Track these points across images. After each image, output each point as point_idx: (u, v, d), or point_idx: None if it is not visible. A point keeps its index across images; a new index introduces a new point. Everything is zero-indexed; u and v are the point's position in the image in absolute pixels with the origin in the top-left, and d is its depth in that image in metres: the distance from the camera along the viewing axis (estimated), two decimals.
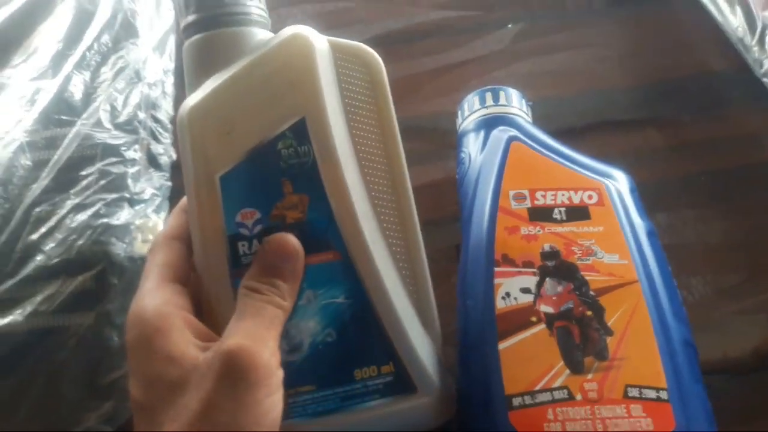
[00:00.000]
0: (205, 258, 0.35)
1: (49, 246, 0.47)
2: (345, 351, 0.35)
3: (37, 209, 0.49)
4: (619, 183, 0.43)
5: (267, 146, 0.35)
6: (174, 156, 0.58)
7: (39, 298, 0.45)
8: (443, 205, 0.51)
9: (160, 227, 0.51)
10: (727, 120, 0.57)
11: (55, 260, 0.46)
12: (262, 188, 0.35)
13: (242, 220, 0.35)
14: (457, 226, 0.46)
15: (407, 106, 0.61)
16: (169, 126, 0.59)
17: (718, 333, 0.46)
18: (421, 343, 0.36)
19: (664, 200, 0.50)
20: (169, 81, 0.62)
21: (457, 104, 0.53)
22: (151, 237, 0.50)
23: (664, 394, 0.34)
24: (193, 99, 0.36)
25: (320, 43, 0.36)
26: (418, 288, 0.37)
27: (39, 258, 0.46)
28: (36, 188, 0.50)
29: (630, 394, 0.34)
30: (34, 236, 0.47)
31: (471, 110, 0.50)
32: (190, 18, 0.37)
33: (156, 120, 0.58)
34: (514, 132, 0.46)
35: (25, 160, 0.51)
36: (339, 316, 0.35)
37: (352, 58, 0.38)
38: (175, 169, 0.57)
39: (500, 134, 0.46)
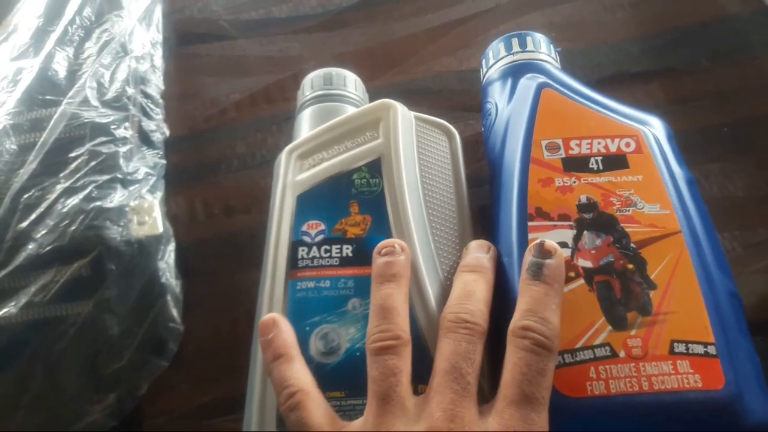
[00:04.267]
0: (272, 258, 0.41)
1: (41, 233, 0.46)
2: None
3: (26, 195, 0.48)
4: (655, 130, 0.42)
5: (344, 175, 0.43)
6: (167, 132, 0.57)
7: (33, 288, 0.44)
8: None
9: (156, 208, 0.50)
10: (748, 66, 0.56)
11: (48, 248, 0.45)
12: (331, 206, 0.42)
13: (307, 230, 0.41)
14: (474, 190, 0.46)
15: (411, 67, 0.60)
16: (160, 101, 0.58)
17: (748, 289, 0.44)
18: None
19: (685, 154, 0.48)
20: (158, 54, 0.61)
21: (464, 62, 0.51)
22: (147, 218, 0.49)
23: (712, 349, 0.33)
24: (294, 141, 0.47)
25: (403, 108, 0.46)
26: None
27: (30, 246, 0.45)
28: (23, 173, 0.49)
29: (676, 350, 0.33)
30: (24, 224, 0.46)
31: (496, 58, 0.49)
32: (308, 94, 0.51)
33: (146, 95, 0.57)
34: (544, 79, 0.45)
35: (10, 144, 0.51)
36: None
37: (432, 126, 0.47)
38: (169, 146, 0.56)
39: (529, 81, 0.45)
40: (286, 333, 0.37)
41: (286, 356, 0.36)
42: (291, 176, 0.44)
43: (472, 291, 0.36)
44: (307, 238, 0.41)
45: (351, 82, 0.52)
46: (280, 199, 0.43)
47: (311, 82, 0.51)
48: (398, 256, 0.38)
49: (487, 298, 0.36)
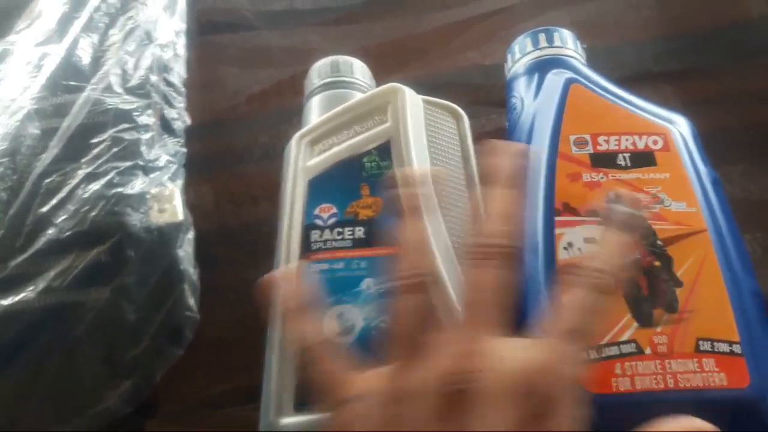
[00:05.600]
0: (285, 242, 0.42)
1: (61, 218, 0.46)
2: None
3: (47, 180, 0.48)
4: (681, 128, 0.43)
5: (354, 159, 0.44)
6: (188, 121, 0.57)
7: (52, 273, 0.44)
8: None
9: (177, 196, 0.50)
10: None
11: (68, 233, 0.45)
12: (342, 189, 0.43)
13: (319, 213, 0.42)
14: None
15: (434, 61, 0.60)
16: (182, 89, 0.58)
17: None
18: None
19: (707, 155, 0.48)
20: (181, 42, 0.61)
21: (487, 57, 0.51)
22: (167, 206, 0.49)
23: (737, 348, 0.33)
24: (304, 128, 0.47)
25: (411, 92, 0.46)
26: None
27: (51, 231, 0.46)
28: (45, 158, 0.49)
29: (702, 348, 0.33)
30: (45, 208, 0.46)
31: (522, 52, 0.49)
32: (316, 83, 0.51)
33: (168, 83, 0.57)
34: (571, 74, 0.46)
35: (33, 129, 0.51)
36: None
37: (439, 109, 0.48)
38: (190, 134, 0.57)
39: (556, 77, 0.46)
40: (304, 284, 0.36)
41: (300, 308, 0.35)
42: (302, 162, 0.45)
43: (510, 211, 0.32)
44: (319, 222, 0.42)
45: (358, 69, 0.52)
46: (291, 185, 0.44)
47: (318, 71, 0.52)
48: (421, 187, 0.35)
49: (516, 214, 0.32)
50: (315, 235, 0.41)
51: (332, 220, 0.42)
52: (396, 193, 0.35)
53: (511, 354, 0.28)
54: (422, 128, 0.45)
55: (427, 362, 0.29)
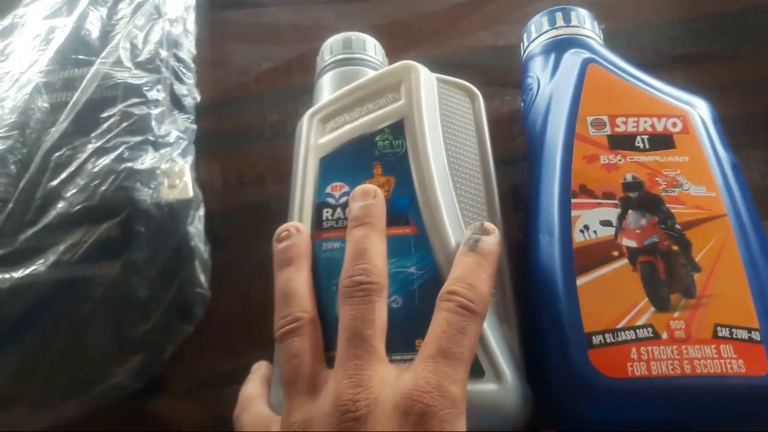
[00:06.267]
0: (297, 220, 0.41)
1: (71, 192, 0.46)
2: (409, 319, 0.36)
3: (57, 154, 0.47)
4: (701, 111, 0.42)
5: (366, 138, 0.43)
6: (198, 97, 0.56)
7: (62, 247, 0.44)
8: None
9: (187, 172, 0.50)
10: None
11: (78, 207, 0.45)
12: (354, 168, 0.42)
13: (331, 191, 0.42)
14: (508, 168, 0.46)
15: (446, 41, 0.59)
16: (192, 65, 0.57)
17: None
18: (492, 328, 0.36)
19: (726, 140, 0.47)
20: (191, 18, 0.61)
21: (500, 37, 0.50)
22: (177, 182, 0.49)
23: (756, 335, 0.33)
24: (316, 105, 0.47)
25: (425, 69, 0.45)
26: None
27: (60, 205, 0.45)
28: (55, 132, 0.49)
29: (720, 334, 0.33)
30: (55, 182, 0.46)
31: (539, 32, 0.48)
32: (328, 59, 0.51)
33: (178, 59, 0.56)
34: (589, 54, 0.45)
35: (43, 103, 0.51)
36: (407, 285, 0.37)
37: (454, 87, 0.47)
38: (200, 111, 0.56)
39: (574, 57, 0.45)
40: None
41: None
42: (313, 139, 0.44)
43: (365, 248, 0.36)
44: (331, 200, 0.41)
45: (371, 46, 0.51)
46: (303, 162, 0.44)
47: (330, 47, 0.51)
48: (295, 239, 0.39)
49: (381, 251, 0.36)
50: (327, 213, 0.41)
51: (344, 199, 0.41)
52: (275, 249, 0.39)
53: (390, 380, 0.31)
54: (436, 107, 0.44)
55: (321, 395, 0.32)
